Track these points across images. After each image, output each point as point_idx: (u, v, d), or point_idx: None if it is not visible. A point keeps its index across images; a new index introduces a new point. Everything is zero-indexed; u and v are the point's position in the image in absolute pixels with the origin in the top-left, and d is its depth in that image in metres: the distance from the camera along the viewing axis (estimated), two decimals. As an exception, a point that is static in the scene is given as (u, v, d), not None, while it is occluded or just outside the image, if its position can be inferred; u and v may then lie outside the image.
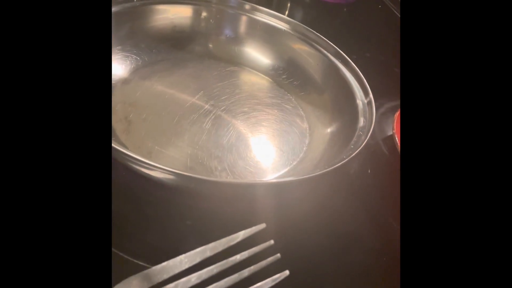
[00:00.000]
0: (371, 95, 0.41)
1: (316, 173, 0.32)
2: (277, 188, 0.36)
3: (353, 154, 0.33)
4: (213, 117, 0.42)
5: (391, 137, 0.44)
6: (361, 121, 0.38)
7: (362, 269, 0.33)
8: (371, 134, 0.36)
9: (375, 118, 0.38)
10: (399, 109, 0.46)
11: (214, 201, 0.34)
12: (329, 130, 0.43)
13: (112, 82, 0.42)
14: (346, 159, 0.33)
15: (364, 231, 0.36)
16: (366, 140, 0.35)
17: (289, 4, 0.70)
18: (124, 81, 0.43)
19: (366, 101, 0.41)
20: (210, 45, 0.51)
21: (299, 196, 0.37)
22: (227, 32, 0.51)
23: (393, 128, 0.44)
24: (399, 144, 0.42)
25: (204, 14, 0.50)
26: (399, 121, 0.44)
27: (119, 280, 0.27)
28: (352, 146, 0.35)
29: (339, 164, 0.32)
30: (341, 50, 0.46)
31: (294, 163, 0.39)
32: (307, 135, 0.43)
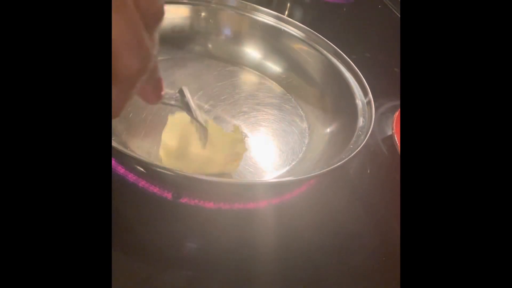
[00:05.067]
0: (370, 95, 0.41)
1: (315, 173, 0.32)
2: (277, 187, 0.36)
3: (352, 154, 0.33)
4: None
5: (391, 137, 0.44)
6: (361, 121, 0.39)
7: (362, 269, 0.33)
8: (370, 134, 0.36)
9: (375, 118, 0.38)
10: (399, 109, 0.46)
11: (214, 201, 0.34)
12: (328, 130, 0.43)
13: None
14: (346, 159, 0.33)
15: (364, 231, 0.36)
16: (365, 140, 0.35)
17: (289, 4, 0.70)
18: None
19: (365, 101, 0.41)
20: (210, 45, 0.51)
21: (299, 196, 0.37)
22: (227, 32, 0.51)
23: (393, 128, 0.44)
24: (398, 144, 0.42)
25: (203, 14, 0.50)
26: (399, 121, 0.44)
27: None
28: (351, 146, 0.35)
29: (338, 164, 0.32)
30: (341, 50, 0.46)
31: (294, 163, 0.39)
32: (307, 135, 0.43)
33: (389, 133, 0.47)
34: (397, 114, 0.45)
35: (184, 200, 0.33)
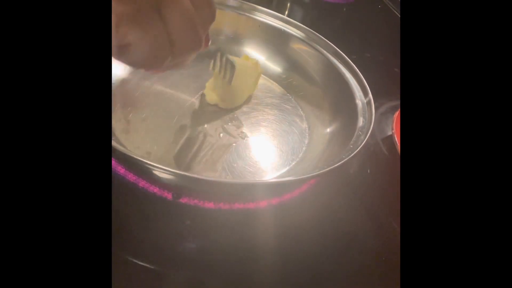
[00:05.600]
0: (370, 95, 0.41)
1: (315, 173, 0.32)
2: (277, 187, 0.36)
3: (352, 154, 0.33)
4: (212, 115, 0.42)
5: (391, 137, 0.44)
6: (361, 121, 0.39)
7: (362, 269, 0.33)
8: (370, 134, 0.36)
9: (375, 118, 0.38)
10: (399, 109, 0.46)
11: (214, 201, 0.34)
12: (328, 130, 0.43)
13: (112, 82, 0.42)
14: (346, 159, 0.33)
15: (364, 231, 0.36)
16: (365, 140, 0.35)
17: (289, 4, 0.70)
18: (124, 81, 0.43)
19: (365, 101, 0.41)
20: (210, 46, 0.51)
21: (299, 196, 0.37)
22: (227, 32, 0.51)
23: (393, 128, 0.44)
24: (398, 144, 0.42)
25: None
26: (399, 121, 0.44)
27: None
28: (351, 146, 0.35)
29: (338, 164, 0.32)
30: (341, 50, 0.46)
31: (294, 163, 0.39)
32: (307, 135, 0.43)
33: (389, 133, 0.47)
34: (397, 114, 0.45)
35: (184, 200, 0.33)
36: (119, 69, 0.43)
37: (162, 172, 0.29)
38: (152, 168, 0.29)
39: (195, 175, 0.29)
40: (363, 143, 0.35)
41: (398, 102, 0.53)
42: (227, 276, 0.29)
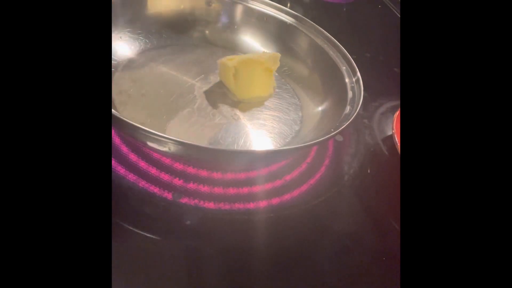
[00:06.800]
0: (358, 74, 0.42)
1: (314, 142, 0.33)
2: (275, 157, 0.36)
3: (344, 126, 0.34)
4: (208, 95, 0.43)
5: (391, 137, 0.44)
6: (350, 94, 0.40)
7: (362, 269, 0.33)
8: (370, 134, 0.36)
9: (375, 118, 0.38)
10: (399, 109, 0.46)
11: (213, 201, 0.34)
12: (320, 108, 0.44)
13: (119, 60, 0.44)
14: (335, 132, 0.34)
15: (364, 231, 0.36)
16: (355, 113, 0.36)
17: (289, 4, 0.70)
18: (131, 60, 0.45)
19: (354, 80, 0.42)
20: (207, 31, 0.52)
21: (299, 196, 0.37)
22: (224, 20, 0.52)
23: (393, 128, 0.44)
24: (398, 144, 0.42)
25: (214, 5, 0.52)
26: (399, 121, 0.44)
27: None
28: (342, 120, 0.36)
29: (335, 132, 0.34)
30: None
31: (288, 139, 0.41)
32: (300, 117, 0.44)
33: (389, 133, 0.47)
34: (397, 114, 0.45)
35: (184, 200, 0.33)
36: (127, 50, 0.45)
37: (147, 134, 0.29)
38: (138, 129, 0.29)
39: (188, 142, 0.29)
40: (353, 116, 0.36)
41: (398, 102, 0.53)
42: (226, 276, 0.29)
